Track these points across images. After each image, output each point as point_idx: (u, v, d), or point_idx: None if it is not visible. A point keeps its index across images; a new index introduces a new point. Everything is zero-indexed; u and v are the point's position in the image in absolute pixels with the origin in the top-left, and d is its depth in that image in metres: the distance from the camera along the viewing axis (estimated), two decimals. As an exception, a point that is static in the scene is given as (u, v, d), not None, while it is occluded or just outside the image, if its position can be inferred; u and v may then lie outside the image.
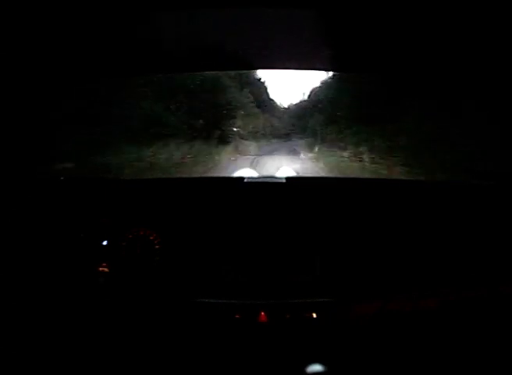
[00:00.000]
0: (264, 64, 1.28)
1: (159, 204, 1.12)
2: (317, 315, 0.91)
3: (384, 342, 0.91)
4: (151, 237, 1.04)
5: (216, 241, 1.04)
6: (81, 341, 0.92)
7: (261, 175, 1.85)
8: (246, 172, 2.07)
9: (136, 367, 0.90)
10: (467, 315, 0.92)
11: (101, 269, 1.01)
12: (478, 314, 0.92)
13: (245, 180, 1.19)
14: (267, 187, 1.18)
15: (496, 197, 1.10)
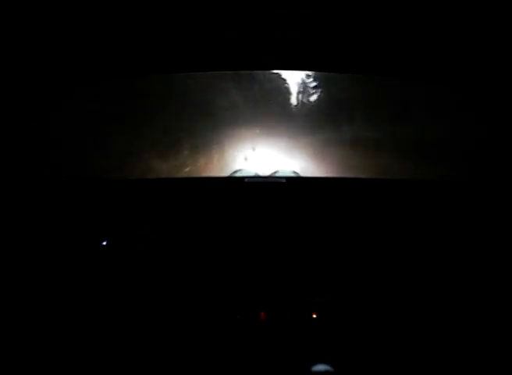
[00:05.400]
0: (264, 64, 1.28)
1: (159, 204, 1.12)
2: (317, 315, 0.92)
3: (384, 342, 0.91)
4: (151, 237, 1.04)
5: (216, 241, 1.04)
6: (81, 340, 0.92)
7: (261, 175, 1.85)
8: (246, 172, 2.07)
9: (136, 367, 0.90)
10: (466, 315, 0.92)
11: (101, 268, 1.01)
12: (477, 314, 0.92)
13: (245, 180, 1.20)
14: (267, 187, 1.18)
15: (493, 196, 1.10)
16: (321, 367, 0.86)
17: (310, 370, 0.86)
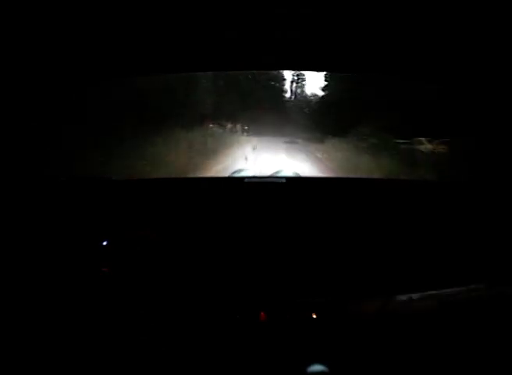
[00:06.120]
0: (264, 64, 1.28)
1: (159, 204, 1.12)
2: (317, 315, 0.91)
3: (384, 342, 0.91)
4: (151, 237, 1.04)
5: (216, 241, 1.04)
6: (81, 341, 0.92)
7: (261, 175, 1.85)
8: (246, 172, 2.07)
9: (136, 367, 0.90)
10: (467, 315, 0.92)
11: (101, 269, 1.01)
12: (477, 314, 0.92)
13: (245, 180, 1.20)
14: (267, 187, 1.18)
15: (491, 195, 1.10)
16: (321, 368, 0.86)
17: (310, 371, 0.86)
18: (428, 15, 0.84)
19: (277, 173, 1.99)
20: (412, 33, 0.93)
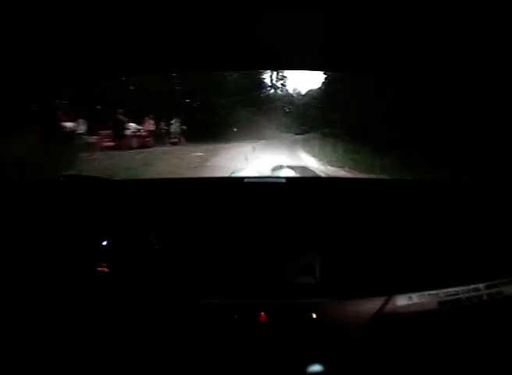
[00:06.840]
0: (264, 64, 1.28)
1: (159, 204, 1.12)
2: (317, 315, 0.91)
3: (384, 342, 0.91)
4: (151, 237, 1.04)
5: (216, 241, 1.04)
6: (81, 341, 0.92)
7: (261, 175, 1.85)
8: (246, 172, 2.07)
9: (136, 367, 0.90)
10: (467, 315, 0.92)
11: (100, 269, 1.01)
12: (477, 314, 0.92)
13: (245, 180, 1.20)
14: (267, 187, 1.18)
15: (491, 195, 1.10)
16: (321, 368, 0.86)
17: (309, 371, 0.86)
18: (429, 14, 0.84)
19: (277, 173, 1.99)
20: (412, 33, 0.93)
